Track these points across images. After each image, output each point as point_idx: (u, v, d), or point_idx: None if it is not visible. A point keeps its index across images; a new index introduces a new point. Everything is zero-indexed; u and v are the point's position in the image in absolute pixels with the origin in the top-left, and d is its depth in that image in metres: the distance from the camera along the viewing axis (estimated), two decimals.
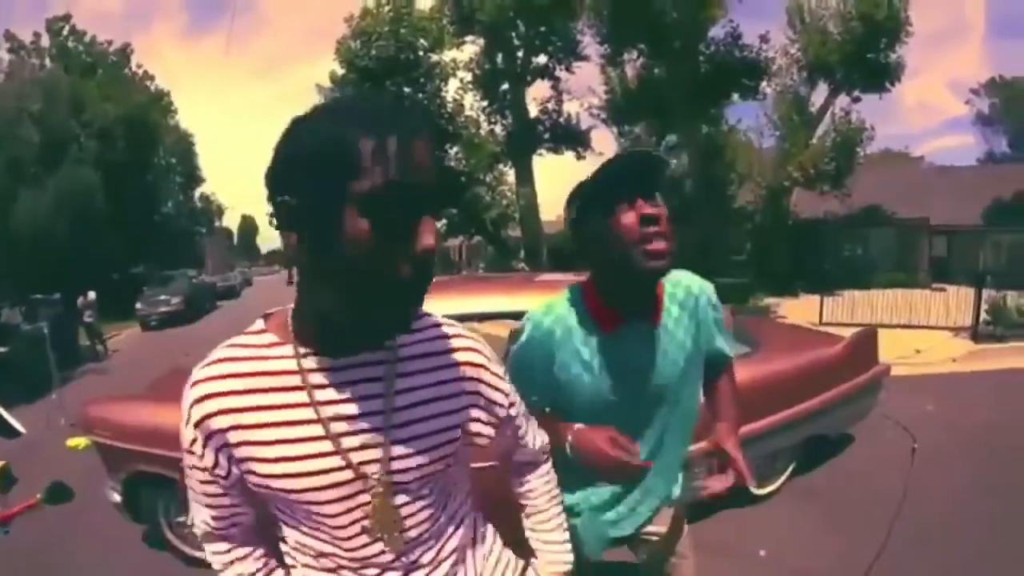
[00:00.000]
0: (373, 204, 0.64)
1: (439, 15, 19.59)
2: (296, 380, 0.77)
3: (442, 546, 0.89)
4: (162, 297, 18.07)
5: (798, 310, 9.31)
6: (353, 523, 0.80)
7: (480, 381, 0.89)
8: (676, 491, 1.44)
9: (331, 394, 0.77)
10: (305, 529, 0.83)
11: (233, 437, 0.76)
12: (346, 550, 0.82)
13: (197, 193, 40.35)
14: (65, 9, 26.53)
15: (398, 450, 0.79)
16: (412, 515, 0.83)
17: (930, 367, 7.27)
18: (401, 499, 0.82)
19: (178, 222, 32.94)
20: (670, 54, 14.86)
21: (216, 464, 0.79)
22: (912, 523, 3.05)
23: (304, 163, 0.67)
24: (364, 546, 0.82)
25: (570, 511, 1.29)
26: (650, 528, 1.44)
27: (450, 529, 0.91)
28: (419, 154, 0.66)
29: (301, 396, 0.77)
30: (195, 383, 0.77)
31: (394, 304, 0.70)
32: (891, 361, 4.31)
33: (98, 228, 18.76)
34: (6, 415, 2.34)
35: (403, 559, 0.85)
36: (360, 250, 0.65)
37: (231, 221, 60.75)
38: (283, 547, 0.90)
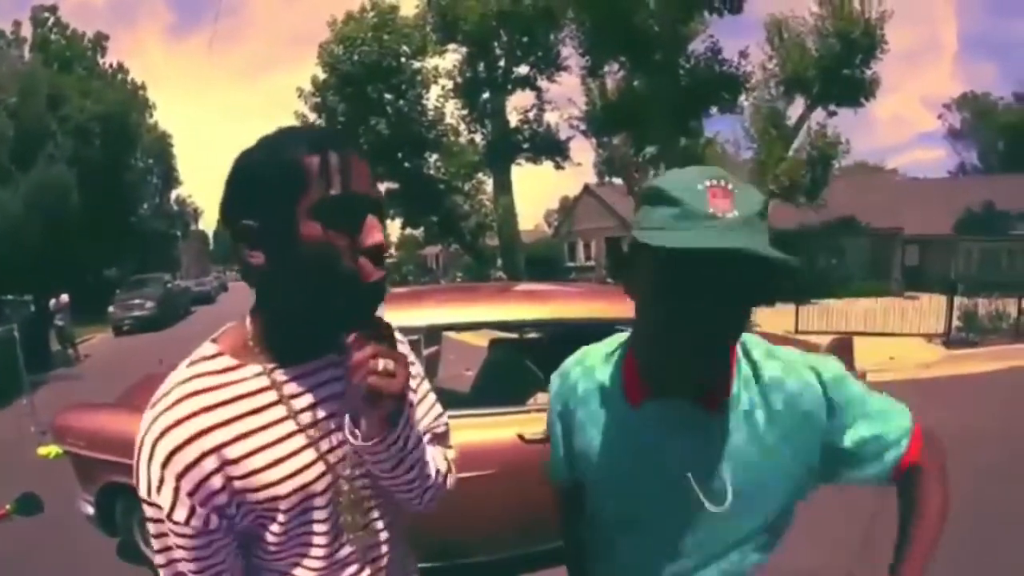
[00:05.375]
0: (323, 210, 0.72)
1: (423, 22, 19.65)
2: (272, 396, 0.78)
3: (397, 543, 0.92)
4: (136, 301, 17.63)
5: (774, 319, 9.42)
6: (332, 529, 0.82)
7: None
8: None
9: (306, 400, 0.80)
10: (283, 560, 0.82)
11: (222, 477, 0.73)
12: (318, 558, 0.82)
13: (173, 195, 39.81)
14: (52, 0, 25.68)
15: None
16: (377, 507, 0.87)
17: (904, 373, 7.42)
18: (369, 497, 0.85)
19: (154, 224, 32.36)
20: (650, 67, 15.02)
21: (206, 521, 0.73)
22: (888, 532, 3.10)
23: (260, 186, 0.73)
24: (337, 551, 0.83)
25: None
26: None
27: (397, 532, 0.93)
28: (355, 166, 0.74)
29: (279, 411, 0.78)
30: (163, 433, 0.71)
31: (354, 295, 0.74)
32: (866, 368, 4.39)
33: (71, 229, 18.22)
34: None
35: (368, 558, 0.87)
36: (317, 251, 0.72)
37: (207, 225, 59.44)
38: None
